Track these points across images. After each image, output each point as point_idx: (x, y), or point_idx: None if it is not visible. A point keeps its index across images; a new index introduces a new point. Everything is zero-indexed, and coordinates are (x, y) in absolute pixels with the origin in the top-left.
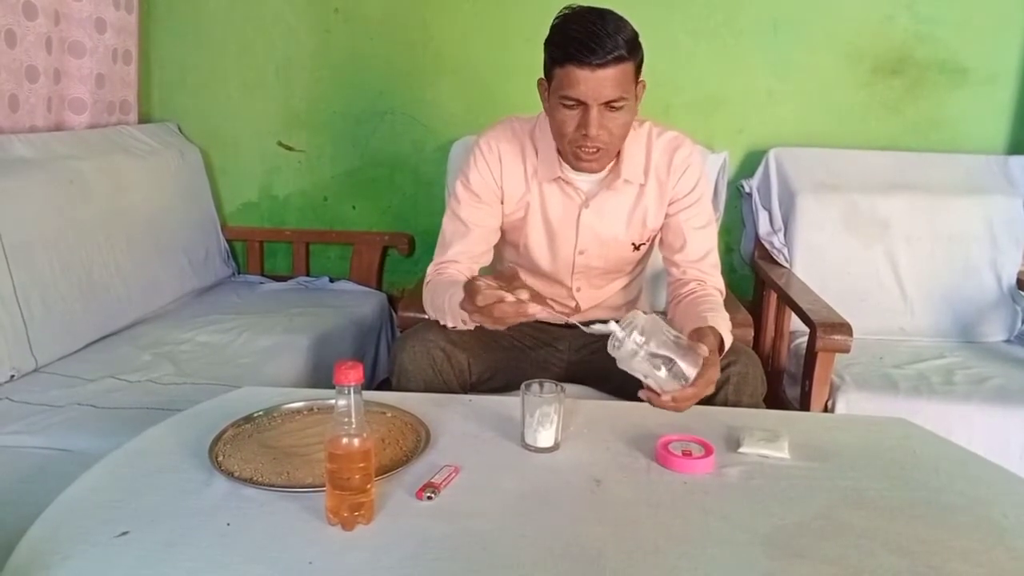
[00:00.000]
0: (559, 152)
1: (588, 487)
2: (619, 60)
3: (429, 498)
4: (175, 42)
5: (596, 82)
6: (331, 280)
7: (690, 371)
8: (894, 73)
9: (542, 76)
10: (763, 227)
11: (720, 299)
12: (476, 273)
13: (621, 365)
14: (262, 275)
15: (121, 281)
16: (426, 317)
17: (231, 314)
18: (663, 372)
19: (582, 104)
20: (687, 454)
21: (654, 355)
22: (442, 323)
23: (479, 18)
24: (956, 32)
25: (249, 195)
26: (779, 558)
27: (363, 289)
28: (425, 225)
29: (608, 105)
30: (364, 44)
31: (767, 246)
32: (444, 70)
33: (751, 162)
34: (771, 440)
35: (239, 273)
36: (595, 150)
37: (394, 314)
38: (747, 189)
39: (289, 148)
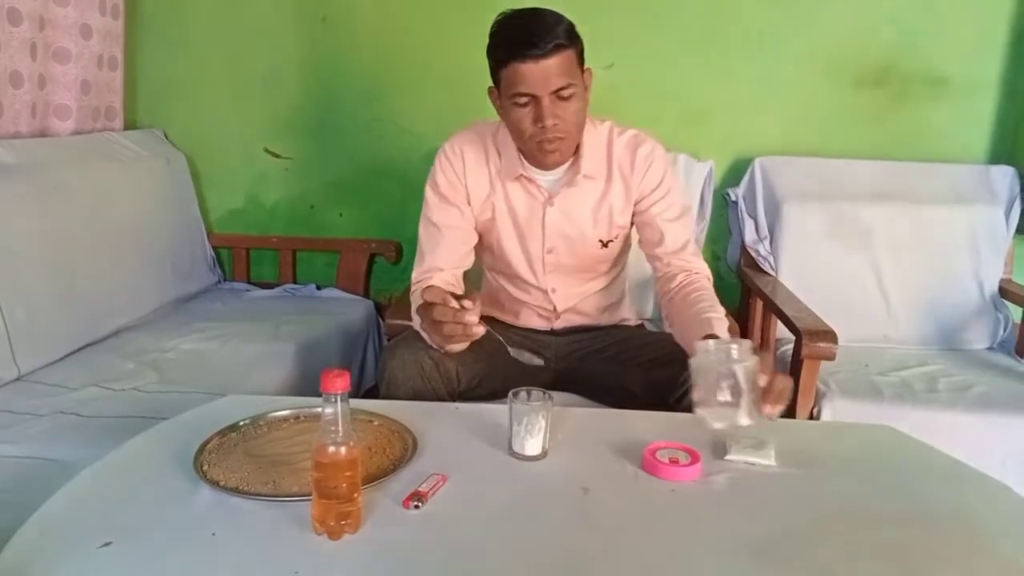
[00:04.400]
0: (521, 153)
1: (576, 495)
2: (559, 48)
3: (416, 507)
4: (161, 48)
5: (541, 72)
6: (318, 287)
7: (743, 418)
8: (877, 84)
9: (491, 85)
10: (749, 235)
11: (711, 288)
12: (459, 279)
13: (693, 374)
14: (248, 282)
15: (105, 289)
16: (413, 325)
17: (217, 322)
18: (724, 396)
19: (533, 98)
20: (674, 461)
21: (730, 381)
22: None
23: (467, 26)
24: (938, 44)
25: (235, 202)
26: (766, 565)
27: (350, 296)
28: (413, 232)
29: (557, 94)
30: (351, 52)
31: (753, 254)
32: (431, 78)
33: (737, 171)
34: (757, 447)
35: (225, 280)
36: (554, 140)
37: (381, 321)
38: (733, 197)
39: (276, 155)
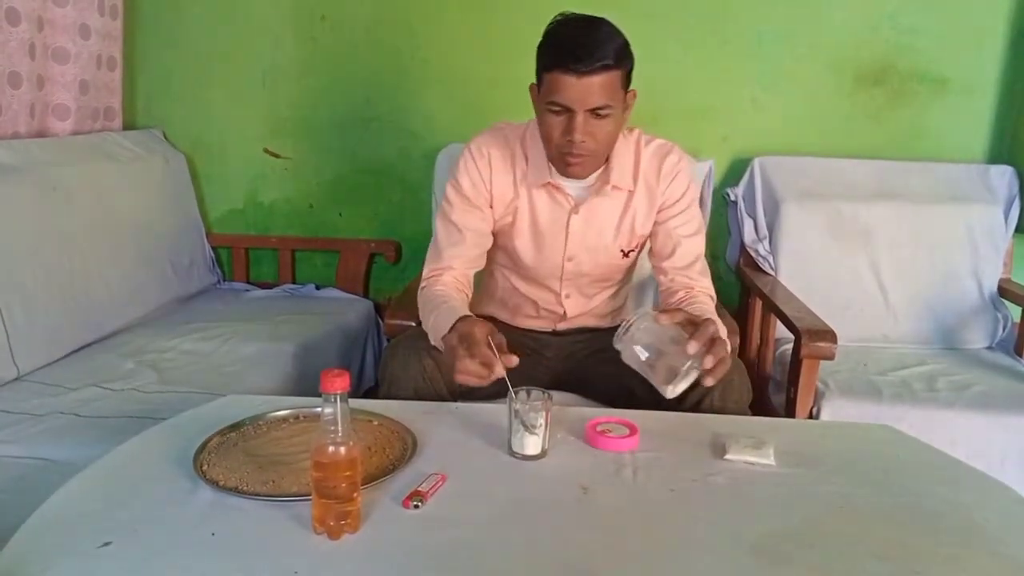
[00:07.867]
0: (548, 158)
1: (575, 495)
2: (605, 68)
3: (416, 506)
4: (160, 48)
5: (582, 89)
6: (317, 287)
7: (668, 374)
8: (876, 83)
9: (534, 82)
10: (748, 235)
11: (710, 304)
12: (470, 280)
13: (624, 357)
14: (247, 282)
15: (104, 289)
16: (413, 325)
17: (216, 322)
18: (651, 363)
19: (568, 110)
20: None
21: (648, 345)
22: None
23: (466, 26)
24: (936, 43)
25: (234, 202)
26: (765, 564)
27: (349, 296)
28: (412, 232)
29: (594, 112)
30: (350, 51)
31: (752, 254)
32: (431, 78)
33: (736, 170)
34: (757, 447)
35: (224, 280)
36: (579, 155)
37: (381, 322)
38: (732, 197)
39: (275, 155)
